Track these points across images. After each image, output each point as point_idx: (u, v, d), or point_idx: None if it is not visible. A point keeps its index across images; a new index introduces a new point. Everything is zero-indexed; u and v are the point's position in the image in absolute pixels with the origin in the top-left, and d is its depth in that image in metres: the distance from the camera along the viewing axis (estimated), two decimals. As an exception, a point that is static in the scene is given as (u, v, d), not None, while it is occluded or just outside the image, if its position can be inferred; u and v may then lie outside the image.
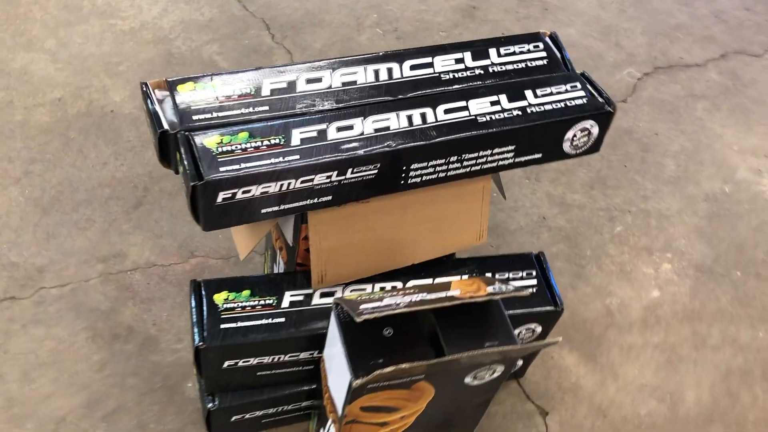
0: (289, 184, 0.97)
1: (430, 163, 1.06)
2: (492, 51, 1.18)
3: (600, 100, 1.14)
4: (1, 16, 1.82)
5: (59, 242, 1.43)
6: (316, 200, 1.01)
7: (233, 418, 1.19)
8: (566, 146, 1.15)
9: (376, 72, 1.11)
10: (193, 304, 1.11)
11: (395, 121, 1.05)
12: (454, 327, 0.97)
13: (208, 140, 0.97)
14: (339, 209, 1.07)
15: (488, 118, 1.08)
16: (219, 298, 1.12)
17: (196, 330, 1.08)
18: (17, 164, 1.53)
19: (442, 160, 1.06)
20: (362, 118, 1.04)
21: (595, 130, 1.15)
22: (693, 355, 1.48)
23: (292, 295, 1.14)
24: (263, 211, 0.99)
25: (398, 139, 1.02)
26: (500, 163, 1.11)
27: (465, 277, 1.22)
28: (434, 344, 0.97)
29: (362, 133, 1.02)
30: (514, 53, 1.19)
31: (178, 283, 1.41)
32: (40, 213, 1.46)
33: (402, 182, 1.06)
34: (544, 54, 1.20)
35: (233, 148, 0.96)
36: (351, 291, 1.17)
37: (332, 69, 1.10)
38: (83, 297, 1.36)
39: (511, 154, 1.11)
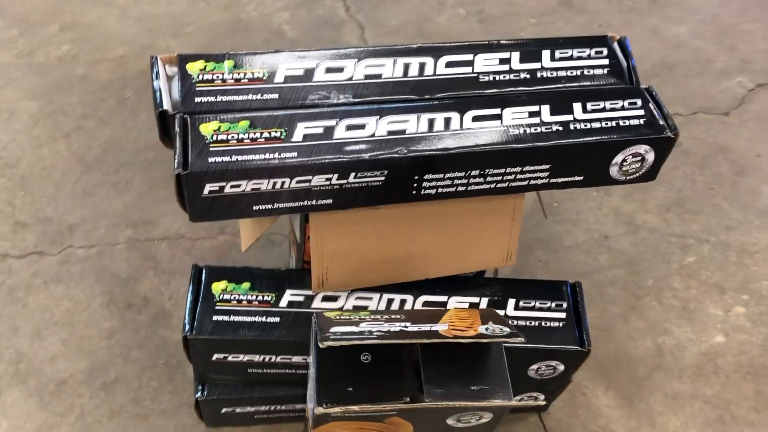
0: (283, 182, 0.90)
1: (447, 176, 0.95)
2: (545, 53, 1.05)
3: (661, 122, 0.99)
4: (84, -33, 1.84)
5: (95, 202, 1.43)
6: (314, 202, 0.94)
7: (223, 410, 1.15)
8: (614, 171, 1.00)
9: (406, 66, 1.01)
10: (191, 289, 1.07)
11: (414, 124, 0.94)
12: (440, 362, 0.87)
13: (205, 126, 0.90)
14: (344, 212, 0.99)
15: (522, 131, 0.95)
16: (217, 287, 1.07)
17: (186, 317, 1.04)
18: (70, 119, 1.54)
19: (461, 173, 0.95)
20: (378, 117, 0.94)
21: (651, 157, 1.00)
22: (751, 417, 1.30)
23: (292, 294, 1.08)
24: (255, 207, 0.92)
25: (412, 145, 0.92)
26: (532, 182, 0.99)
27: (484, 300, 1.11)
28: (418, 374, 0.88)
29: (373, 135, 0.92)
30: (570, 57, 1.05)
31: (202, 258, 1.38)
32: (82, 170, 1.47)
33: (414, 193, 0.96)
34: (606, 62, 1.05)
35: (229, 137, 0.90)
36: (355, 298, 1.09)
37: (357, 59, 1.00)
38: (107, 261, 1.35)
39: (545, 174, 0.98)
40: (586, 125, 0.97)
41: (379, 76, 0.99)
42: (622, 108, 1.00)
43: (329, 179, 0.91)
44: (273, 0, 1.84)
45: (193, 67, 0.96)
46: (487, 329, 0.84)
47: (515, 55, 1.04)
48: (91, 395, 1.19)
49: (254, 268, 1.10)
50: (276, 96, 0.95)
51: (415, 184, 0.95)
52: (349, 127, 0.93)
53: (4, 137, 1.48)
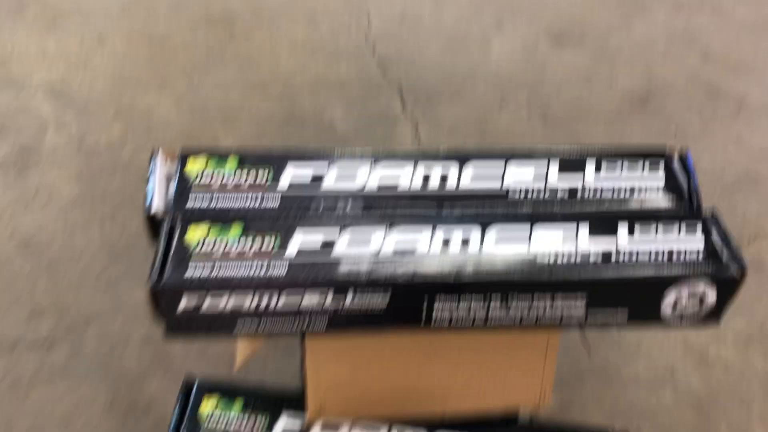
0: (269, 300, 0.80)
1: (462, 305, 0.82)
2: (589, 166, 0.92)
3: (725, 256, 0.83)
4: (145, 55, 1.87)
5: (117, 293, 1.37)
6: (307, 325, 0.82)
7: None
8: (666, 312, 0.85)
9: (426, 177, 0.90)
10: (176, 410, 0.97)
11: (425, 241, 0.83)
12: None
13: (193, 231, 0.82)
14: (344, 337, 0.87)
15: (552, 260, 0.82)
16: (206, 406, 0.97)
17: (168, 438, 0.93)
18: (108, 205, 1.51)
19: (480, 303, 0.82)
20: (386, 231, 0.83)
21: (712, 298, 0.84)
22: None
23: (288, 417, 0.95)
24: (239, 326, 0.82)
25: (421, 266, 0.80)
26: (566, 318, 0.84)
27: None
28: None
29: (378, 252, 0.81)
30: (619, 173, 0.92)
31: (216, 362, 1.28)
32: (110, 259, 1.42)
33: (424, 322, 0.83)
34: (661, 180, 0.91)
35: (215, 246, 0.81)
36: (361, 428, 0.95)
37: (372, 164, 0.91)
38: (117, 357, 1.28)
39: (581, 311, 0.84)
40: (632, 256, 0.83)
41: (394, 187, 0.89)
42: (678, 237, 0.85)
43: (323, 300, 0.80)
44: (328, 93, 1.81)
45: (193, 167, 0.89)
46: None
47: (553, 168, 0.92)
48: None
49: (250, 384, 0.99)
50: (277, 203, 0.86)
51: (424, 312, 0.82)
52: (352, 242, 0.82)
53: (39, 220, 1.47)
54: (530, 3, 2.15)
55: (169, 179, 0.88)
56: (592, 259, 0.82)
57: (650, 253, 0.83)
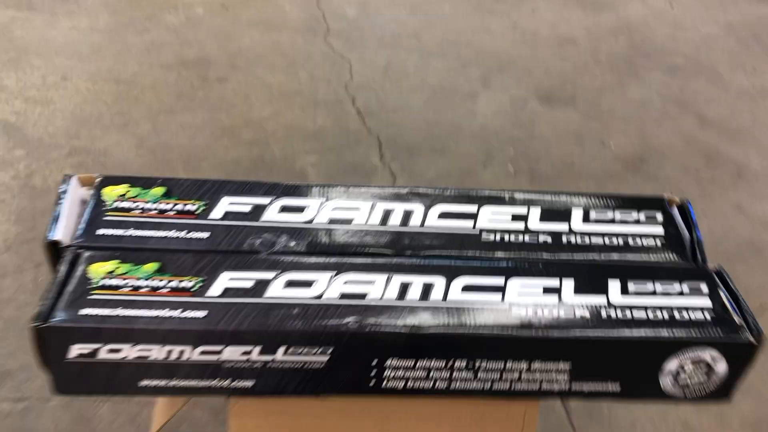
0: (181, 352, 0.65)
1: (420, 364, 0.68)
2: (576, 212, 0.79)
3: (737, 319, 0.69)
4: (111, 94, 1.76)
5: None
6: (229, 383, 0.67)
7: None
8: (666, 383, 0.70)
9: (387, 213, 0.77)
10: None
11: (379, 287, 0.69)
12: None
13: (99, 266, 0.68)
14: (276, 401, 0.72)
15: (531, 313, 0.68)
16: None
17: None
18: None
19: (440, 363, 0.67)
20: (333, 273, 0.70)
21: (722, 368, 0.69)
22: None
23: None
24: (144, 383, 0.66)
25: (371, 315, 0.66)
26: (545, 386, 0.70)
27: None
28: None
29: (320, 296, 0.67)
30: (611, 221, 0.79)
31: (146, 428, 1.12)
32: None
33: (372, 384, 0.68)
34: (659, 230, 0.79)
35: (123, 283, 0.67)
36: None
37: (325, 198, 0.78)
38: (32, 420, 1.11)
39: (563, 376, 0.69)
40: (624, 313, 0.69)
41: (348, 221, 0.75)
42: (681, 294, 0.71)
43: (248, 353, 0.65)
44: (302, 142, 1.69)
45: (111, 192, 0.75)
46: None
47: (534, 212, 0.79)
48: None
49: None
50: (206, 235, 0.72)
51: (373, 372, 0.68)
52: (291, 284, 0.68)
53: (-29, 262, 1.32)
54: (518, 61, 2.07)
55: (83, 205, 0.75)
56: (578, 313, 0.68)
57: (647, 309, 0.69)
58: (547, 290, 0.70)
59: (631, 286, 0.72)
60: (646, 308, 0.69)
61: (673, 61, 2.16)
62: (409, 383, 0.68)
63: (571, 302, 0.69)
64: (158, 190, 0.76)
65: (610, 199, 0.81)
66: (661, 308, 0.70)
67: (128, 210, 0.74)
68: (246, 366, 0.66)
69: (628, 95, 2.01)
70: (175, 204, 0.74)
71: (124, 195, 0.75)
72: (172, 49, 1.93)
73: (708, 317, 0.69)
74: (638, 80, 2.07)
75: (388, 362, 0.67)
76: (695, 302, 0.71)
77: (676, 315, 0.69)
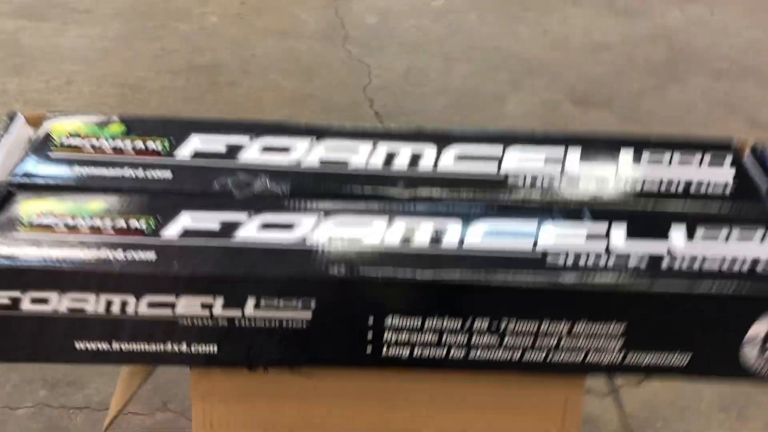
0: (124, 303, 0.51)
1: (429, 325, 0.53)
2: (624, 154, 0.65)
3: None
4: (115, 98, 1.67)
5: None
6: (187, 348, 0.53)
7: None
8: (749, 354, 0.54)
9: (391, 154, 0.63)
10: None
11: (378, 231, 0.55)
12: None
13: (32, 203, 0.55)
14: (249, 376, 0.57)
15: (570, 261, 0.53)
16: None
17: None
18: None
19: (455, 324, 0.53)
20: (322, 215, 0.56)
21: (823, 334, 0.53)
22: None
23: None
24: (79, 346, 0.53)
25: (368, 261, 0.52)
26: (591, 356, 0.54)
27: None
28: None
29: (304, 240, 0.54)
30: (666, 162, 0.64)
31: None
32: None
33: (369, 351, 0.54)
34: (729, 175, 0.63)
35: (58, 222, 0.54)
36: None
37: (316, 137, 0.64)
38: (-2, 430, 0.97)
39: (616, 343, 0.54)
40: (693, 263, 0.54)
41: (344, 163, 0.62)
42: (761, 245, 0.56)
43: (208, 306, 0.51)
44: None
45: (61, 129, 0.63)
46: None
47: (573, 153, 0.65)
48: None
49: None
50: (168, 175, 0.59)
51: (370, 334, 0.53)
52: (267, 226, 0.55)
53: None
54: (549, 65, 1.94)
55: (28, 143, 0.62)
56: (632, 263, 0.53)
57: (723, 261, 0.54)
58: (591, 236, 0.56)
59: (700, 232, 0.56)
60: (720, 259, 0.54)
61: (718, 66, 2.01)
62: (416, 351, 0.54)
63: (623, 249, 0.54)
64: (116, 128, 0.63)
65: (663, 142, 0.67)
66: (739, 260, 0.54)
67: (78, 147, 0.61)
68: (207, 324, 0.52)
69: (670, 98, 1.86)
70: (135, 141, 0.62)
71: (75, 133, 0.63)
72: (182, 55, 1.84)
73: (801, 267, 0.54)
74: (680, 84, 1.92)
75: (389, 321, 0.52)
76: (783, 252, 0.55)
77: (760, 266, 0.54)
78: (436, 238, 0.54)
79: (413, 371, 0.56)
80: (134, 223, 0.54)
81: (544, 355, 0.54)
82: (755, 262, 0.54)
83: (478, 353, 0.54)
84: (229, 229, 0.54)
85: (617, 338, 0.53)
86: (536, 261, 0.53)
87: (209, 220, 0.54)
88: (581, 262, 0.53)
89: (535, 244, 0.54)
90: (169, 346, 0.53)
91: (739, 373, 0.55)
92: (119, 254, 0.51)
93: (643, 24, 2.21)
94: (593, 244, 0.55)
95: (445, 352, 0.54)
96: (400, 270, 0.51)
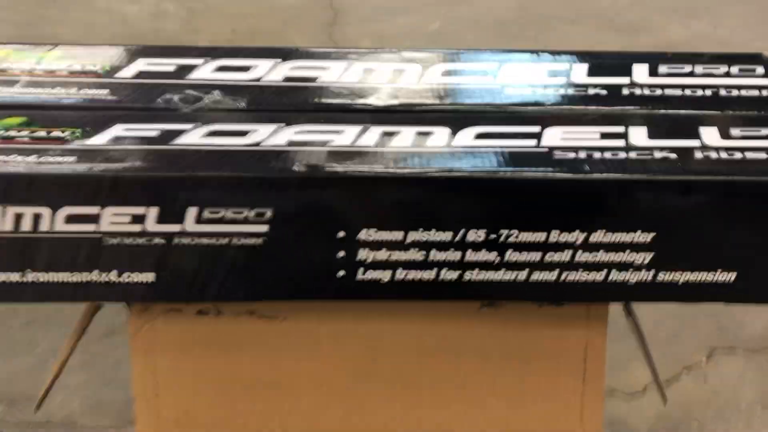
0: (37, 217, 0.41)
1: (412, 238, 0.43)
2: (638, 67, 0.56)
3: None
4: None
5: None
6: (117, 277, 0.43)
7: None
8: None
9: (368, 70, 0.54)
10: None
11: (349, 134, 0.45)
12: None
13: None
14: (201, 319, 0.47)
15: (582, 155, 0.43)
16: None
17: None
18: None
19: (445, 236, 0.43)
20: (282, 125, 0.47)
21: None
22: None
23: None
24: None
25: (333, 159, 0.43)
26: (614, 275, 0.44)
27: None
28: None
29: (258, 144, 0.44)
30: (689, 74, 0.55)
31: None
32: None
33: (342, 276, 0.44)
34: (763, 81, 0.54)
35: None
36: None
37: (282, 57, 0.56)
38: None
39: (644, 257, 0.43)
40: (730, 153, 0.44)
41: (312, 79, 0.53)
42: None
43: (140, 220, 0.42)
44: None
45: (-11, 54, 0.55)
46: None
47: (580, 66, 0.56)
48: None
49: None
50: (104, 92, 0.51)
51: (340, 253, 0.43)
52: (215, 133, 0.46)
53: None
54: None
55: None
56: (657, 155, 0.44)
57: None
58: (606, 135, 0.46)
59: (735, 131, 0.47)
60: (765, 149, 0.45)
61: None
62: (398, 273, 0.44)
63: (646, 145, 0.45)
64: (53, 53, 0.55)
65: (684, 55, 0.58)
66: (784, 149, 0.45)
67: (3, 70, 0.53)
68: (140, 244, 0.42)
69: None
70: (71, 64, 0.54)
71: (4, 58, 0.55)
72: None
73: None
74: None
75: (363, 234, 0.43)
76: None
77: (817, 156, 0.44)
78: (421, 140, 0.45)
79: (397, 306, 0.46)
80: (56, 133, 0.45)
81: (556, 275, 0.44)
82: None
83: (474, 275, 0.44)
84: (169, 136, 0.45)
85: (645, 250, 0.43)
86: (541, 156, 0.44)
87: (147, 129, 0.46)
88: (596, 156, 0.43)
89: (538, 142, 0.45)
90: (96, 275, 0.43)
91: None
92: (30, 158, 0.42)
93: (645, 39, 2.16)
94: (610, 141, 0.45)
95: (434, 275, 0.44)
96: (376, 165, 0.42)
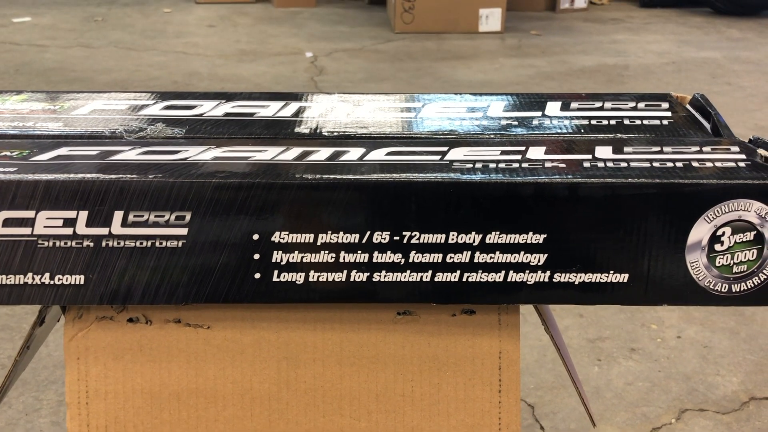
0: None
1: (322, 239, 0.46)
2: (552, 105, 0.60)
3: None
4: None
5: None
6: (49, 279, 0.46)
7: None
8: (695, 263, 0.47)
9: (302, 108, 0.60)
10: None
11: (271, 153, 0.50)
12: None
13: None
14: (131, 327, 0.50)
15: (480, 166, 0.47)
16: None
17: None
18: None
19: (351, 237, 0.46)
20: (211, 146, 0.51)
21: (775, 234, 0.46)
22: None
23: None
24: None
25: (252, 169, 0.47)
26: (513, 275, 0.47)
27: None
28: None
29: (186, 158, 0.49)
30: (598, 108, 0.60)
31: None
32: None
33: (259, 277, 0.47)
34: (668, 114, 0.59)
35: None
36: None
37: (226, 99, 0.61)
38: None
39: (539, 258, 0.46)
40: (619, 164, 0.48)
41: (249, 114, 0.58)
42: (700, 151, 0.50)
43: (71, 222, 0.45)
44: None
45: (-40, 97, 0.61)
46: None
47: (497, 105, 0.61)
48: None
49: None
50: (59, 124, 0.56)
51: (257, 255, 0.46)
52: (150, 152, 0.50)
53: None
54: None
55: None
56: (549, 165, 0.48)
57: (654, 162, 0.48)
58: (506, 152, 0.50)
59: (628, 149, 0.51)
60: (661, 159, 0.48)
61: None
62: (311, 275, 0.47)
63: (540, 158, 0.49)
64: (20, 98, 0.61)
65: (596, 94, 0.63)
66: (680, 159, 0.48)
67: (-29, 109, 0.58)
68: (71, 246, 0.46)
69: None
70: (33, 106, 0.59)
71: (-27, 100, 0.60)
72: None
73: (742, 165, 0.48)
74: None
75: (276, 237, 0.46)
76: (726, 156, 0.49)
77: (695, 164, 0.48)
78: (335, 156, 0.49)
79: (317, 314, 0.49)
80: (5, 153, 0.49)
81: (458, 275, 0.47)
82: (695, 160, 0.48)
83: (383, 275, 0.47)
84: (107, 154, 0.49)
85: (538, 251, 0.46)
86: (441, 165, 0.48)
87: (88, 150, 0.50)
88: (491, 166, 0.47)
89: (442, 157, 0.49)
90: (30, 279, 0.46)
91: (695, 296, 0.47)
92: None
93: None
94: (508, 156, 0.49)
95: (346, 276, 0.47)
96: (285, 174, 0.46)
